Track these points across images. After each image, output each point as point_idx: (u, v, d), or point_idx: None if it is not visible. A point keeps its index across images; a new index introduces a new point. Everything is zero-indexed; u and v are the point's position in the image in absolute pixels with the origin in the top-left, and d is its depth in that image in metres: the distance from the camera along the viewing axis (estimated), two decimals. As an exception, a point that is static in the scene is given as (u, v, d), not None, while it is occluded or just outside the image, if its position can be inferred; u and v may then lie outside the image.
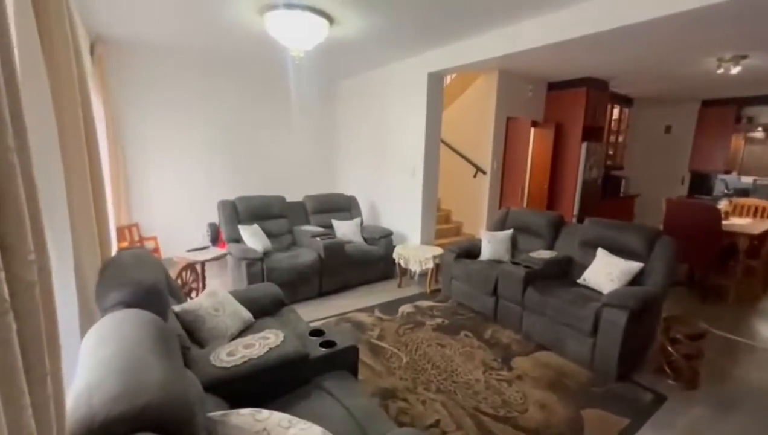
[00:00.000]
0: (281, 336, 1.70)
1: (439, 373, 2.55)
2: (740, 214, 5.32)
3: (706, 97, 6.40)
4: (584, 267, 3.17)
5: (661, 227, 4.22)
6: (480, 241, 3.87)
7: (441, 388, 2.38)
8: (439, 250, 4.09)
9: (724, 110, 6.29)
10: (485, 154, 5.06)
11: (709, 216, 3.76)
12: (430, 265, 3.92)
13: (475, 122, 5.19)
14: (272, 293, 2.48)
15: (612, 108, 6.04)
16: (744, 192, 6.32)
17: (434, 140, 4.37)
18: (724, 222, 4.27)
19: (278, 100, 5.34)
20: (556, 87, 5.36)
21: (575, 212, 5.25)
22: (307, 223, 4.48)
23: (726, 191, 6.52)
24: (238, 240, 3.82)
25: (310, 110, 5.67)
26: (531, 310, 3.01)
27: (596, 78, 5.07)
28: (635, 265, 2.85)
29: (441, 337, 3.05)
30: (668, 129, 7.18)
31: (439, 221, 5.56)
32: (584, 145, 5.10)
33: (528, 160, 5.62)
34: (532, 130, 5.50)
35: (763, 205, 5.19)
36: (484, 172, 5.09)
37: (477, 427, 2.07)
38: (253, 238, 3.70)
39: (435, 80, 4.25)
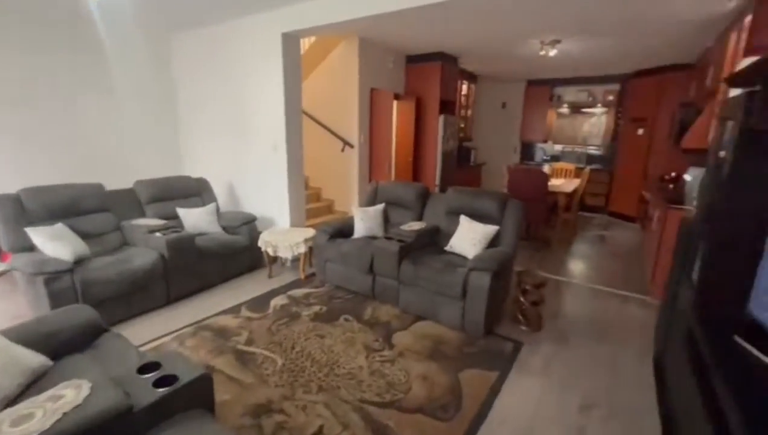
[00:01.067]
0: (85, 389, 1.18)
1: (319, 369, 2.32)
2: (556, 177, 6.51)
3: (530, 78, 7.53)
4: (450, 235, 3.33)
5: (506, 191, 4.80)
6: (353, 218, 3.72)
7: (323, 386, 2.17)
8: (311, 232, 3.79)
9: (542, 89, 7.52)
10: (352, 127, 4.88)
11: (540, 179, 4.42)
12: (302, 249, 3.60)
13: (339, 93, 4.92)
14: (81, 319, 1.81)
15: (461, 83, 6.56)
16: (556, 157, 7.78)
17: (295, 110, 3.94)
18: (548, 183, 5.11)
19: (88, 55, 4.02)
20: (414, 60, 5.47)
21: (437, 182, 5.59)
22: (142, 215, 3.59)
23: (544, 157, 7.94)
24: (31, 248, 2.77)
25: (137, 73, 4.47)
26: (406, 284, 3.02)
27: (448, 54, 5.35)
28: (492, 229, 3.10)
29: (319, 327, 2.81)
30: (504, 105, 8.27)
31: (310, 200, 5.23)
32: (441, 118, 5.39)
33: (393, 133, 5.69)
34: (395, 102, 5.55)
35: (570, 168, 6.46)
36: (351, 146, 4.92)
37: (364, 421, 1.93)
38: (56, 242, 2.72)
39: (291, 43, 3.78)
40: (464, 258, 3.08)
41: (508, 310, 3.11)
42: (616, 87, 6.89)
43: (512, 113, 8.14)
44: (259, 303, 3.20)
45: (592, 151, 7.41)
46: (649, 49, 4.82)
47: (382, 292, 3.20)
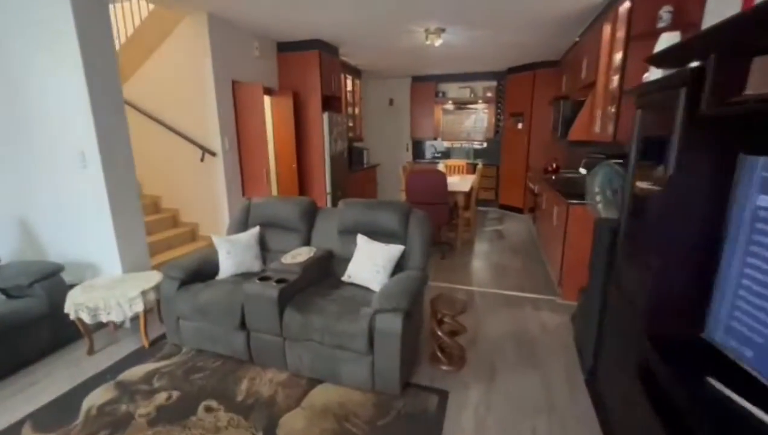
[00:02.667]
0: None
1: None
2: (451, 174, 6.38)
3: (415, 74, 7.31)
4: (348, 259, 2.64)
5: (403, 195, 4.33)
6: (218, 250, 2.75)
7: None
8: (155, 278, 2.69)
9: (427, 86, 7.39)
10: (211, 130, 3.81)
11: (440, 180, 4.05)
12: (139, 306, 2.50)
13: (188, 87, 3.80)
14: None
15: (345, 78, 5.94)
16: (446, 154, 7.78)
17: (111, 103, 2.74)
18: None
19: None
20: (286, 48, 4.62)
21: (328, 190, 4.87)
22: None
23: (435, 154, 7.87)
24: None
25: None
26: (294, 339, 2.23)
27: (327, 42, 4.64)
28: (396, 250, 2.51)
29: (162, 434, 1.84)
30: (391, 102, 7.94)
31: (162, 227, 3.99)
32: (326, 116, 4.66)
33: (268, 135, 4.76)
34: (268, 98, 4.63)
35: (461, 164, 6.40)
36: (212, 154, 3.85)
37: None
38: None
39: (90, 5, 2.59)
40: (367, 290, 2.42)
41: (423, 346, 2.57)
42: (493, 83, 7.10)
43: (400, 110, 7.87)
44: (63, 408, 2.04)
45: (478, 145, 7.57)
46: (522, 46, 4.87)
47: (262, 353, 2.35)
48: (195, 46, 3.64)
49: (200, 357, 2.48)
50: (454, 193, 4.48)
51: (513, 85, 6.46)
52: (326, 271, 2.71)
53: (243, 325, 2.32)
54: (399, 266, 2.52)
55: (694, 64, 1.28)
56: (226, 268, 2.72)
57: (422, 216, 2.64)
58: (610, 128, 2.97)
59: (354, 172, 5.91)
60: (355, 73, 6.40)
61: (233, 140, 4.00)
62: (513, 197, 6.72)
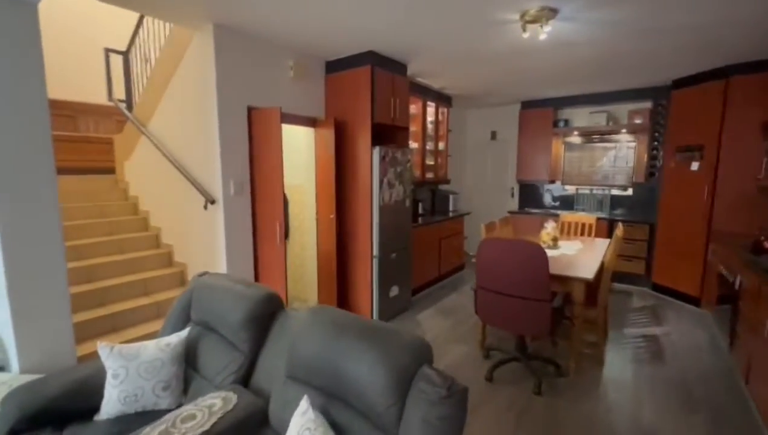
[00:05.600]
0: None
1: None
2: (567, 234, 4.37)
3: (525, 97, 5.61)
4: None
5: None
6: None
7: None
8: None
9: (542, 113, 5.56)
10: (215, 170, 2.94)
11: (532, 259, 2.31)
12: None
13: (195, 118, 3.04)
14: None
15: (425, 106, 4.67)
16: (568, 202, 5.67)
17: (28, 120, 1.99)
18: (551, 254, 2.99)
19: None
20: (336, 67, 3.62)
21: (375, 251, 3.52)
22: None
23: (552, 203, 5.83)
24: None
25: None
26: None
27: (384, 55, 3.48)
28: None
29: None
30: (494, 135, 6.32)
31: (173, 283, 3.23)
32: (376, 151, 3.41)
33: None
34: (310, 130, 3.65)
35: (587, 221, 4.33)
36: (211, 202, 2.95)
37: None
38: None
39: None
40: None
41: None
42: (647, 105, 4.87)
43: (505, 145, 6.17)
44: None
45: (618, 192, 5.28)
46: (703, 34, 2.84)
47: None
48: (201, 68, 2.87)
49: None
50: (565, 280, 2.63)
51: (682, 104, 4.20)
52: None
53: None
54: None
55: None
56: (111, 402, 1.60)
57: (456, 389, 1.07)
58: None
59: (425, 225, 4.45)
60: (441, 99, 5.08)
61: (245, 183, 3.06)
62: (679, 276, 4.24)
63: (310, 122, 3.63)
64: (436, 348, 3.26)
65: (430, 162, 4.98)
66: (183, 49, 3.06)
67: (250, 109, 3.03)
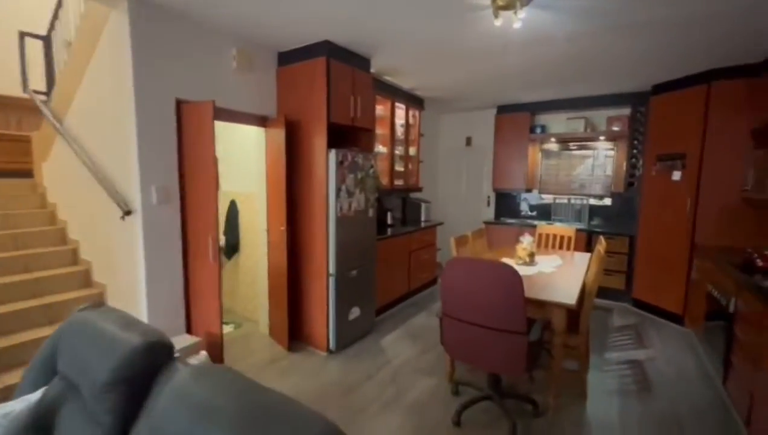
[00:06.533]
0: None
1: None
2: (545, 247, 4.06)
3: (501, 102, 5.34)
4: None
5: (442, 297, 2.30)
6: None
7: None
8: None
9: (518, 118, 5.29)
10: (131, 174, 2.45)
11: (508, 287, 1.93)
12: None
13: (112, 111, 2.55)
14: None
15: (394, 106, 4.30)
16: (545, 212, 5.41)
17: None
18: (528, 272, 2.66)
19: None
20: (289, 59, 3.20)
21: (331, 269, 3.08)
22: None
23: (529, 212, 5.56)
24: None
25: None
26: None
27: (346, 48, 3.09)
28: None
29: None
30: (469, 141, 6.03)
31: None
32: (332, 155, 2.99)
33: (217, 180, 3.31)
34: (261, 130, 3.21)
35: (567, 234, 4.03)
36: (128, 213, 2.45)
37: None
38: None
39: None
40: None
41: None
42: (625, 110, 4.67)
43: (481, 152, 5.87)
44: None
45: (596, 202, 5.05)
46: (686, 33, 2.58)
47: None
48: (118, 52, 2.39)
49: None
50: (544, 305, 2.27)
51: (663, 110, 3.99)
52: None
53: None
54: None
55: None
56: None
57: None
58: None
59: (393, 236, 4.05)
60: (412, 101, 4.73)
61: (172, 190, 2.57)
62: (661, 292, 3.99)
63: (260, 121, 3.18)
64: (400, 380, 2.86)
65: (399, 168, 4.60)
66: (100, 30, 2.56)
67: (179, 103, 2.56)
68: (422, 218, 5.08)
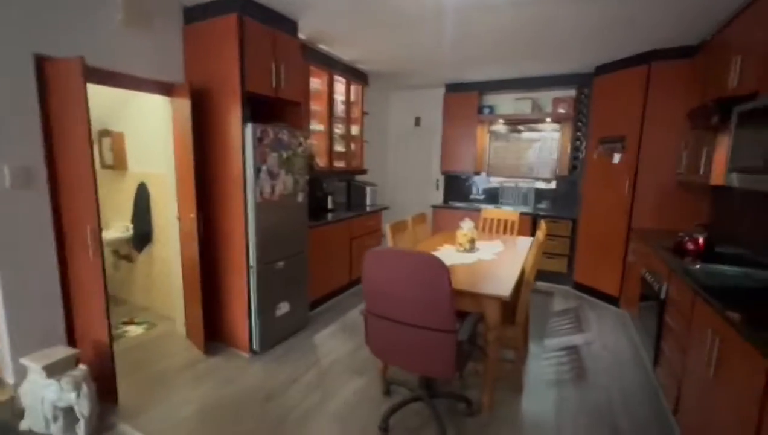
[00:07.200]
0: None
1: None
2: (489, 231, 3.93)
3: (450, 80, 5.10)
4: None
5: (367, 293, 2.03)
6: None
7: None
8: None
9: (467, 98, 5.09)
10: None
11: (433, 280, 1.69)
12: None
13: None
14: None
15: (332, 79, 3.90)
16: (493, 196, 5.32)
17: None
18: (466, 260, 2.46)
19: None
20: (197, 15, 2.70)
21: (252, 262, 2.72)
22: None
23: (477, 196, 5.45)
24: None
25: None
26: None
27: (264, 5, 2.65)
28: None
29: None
30: (418, 121, 5.77)
31: None
32: (249, 130, 2.59)
33: (92, 157, 2.84)
34: (166, 100, 2.72)
35: (511, 218, 3.92)
36: (-33, 196, 1.94)
37: None
38: None
39: None
40: None
41: None
42: (571, 92, 4.60)
43: (430, 133, 5.64)
44: None
45: (543, 186, 5.02)
46: (634, 12, 2.44)
47: None
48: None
49: None
50: (477, 298, 2.08)
51: (605, 92, 3.93)
52: None
53: None
54: None
55: None
56: None
57: None
58: None
59: (331, 223, 3.73)
60: (354, 75, 4.35)
61: (35, 170, 2.07)
62: (600, 275, 4.02)
63: (164, 89, 2.69)
64: (329, 382, 2.58)
65: (340, 148, 4.25)
66: None
67: (40, 60, 2.04)
68: (367, 202, 4.79)
